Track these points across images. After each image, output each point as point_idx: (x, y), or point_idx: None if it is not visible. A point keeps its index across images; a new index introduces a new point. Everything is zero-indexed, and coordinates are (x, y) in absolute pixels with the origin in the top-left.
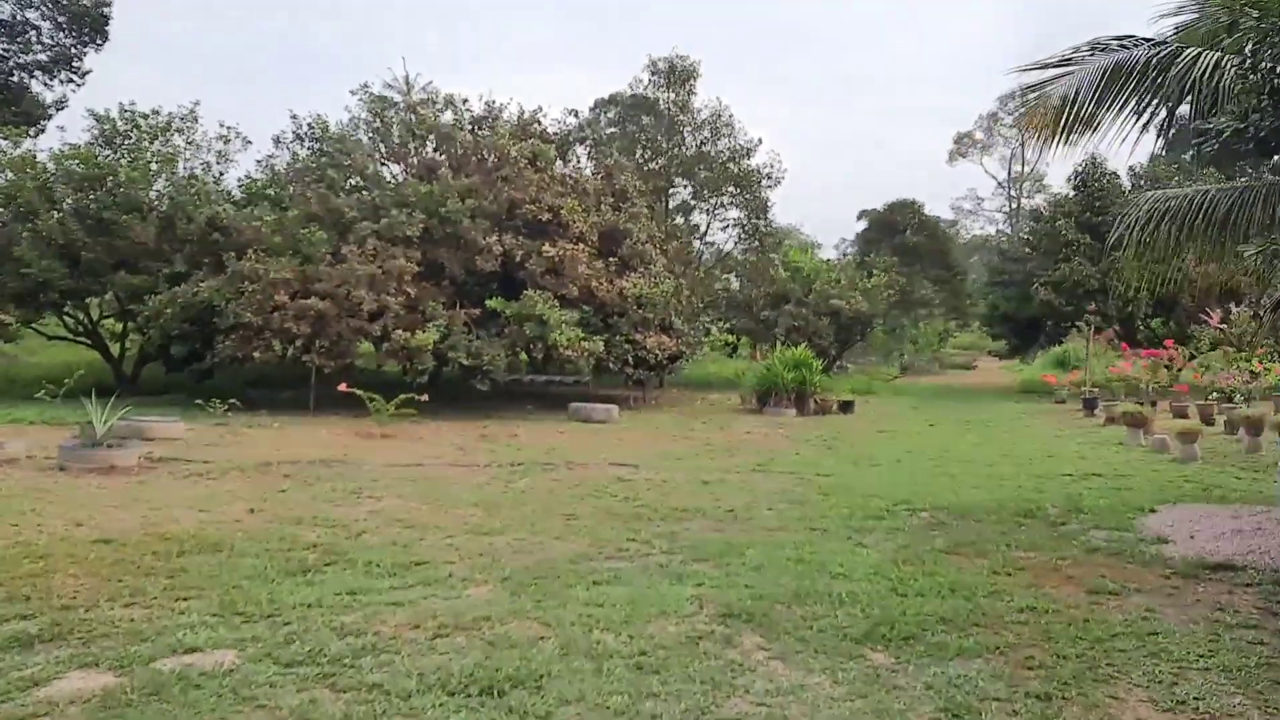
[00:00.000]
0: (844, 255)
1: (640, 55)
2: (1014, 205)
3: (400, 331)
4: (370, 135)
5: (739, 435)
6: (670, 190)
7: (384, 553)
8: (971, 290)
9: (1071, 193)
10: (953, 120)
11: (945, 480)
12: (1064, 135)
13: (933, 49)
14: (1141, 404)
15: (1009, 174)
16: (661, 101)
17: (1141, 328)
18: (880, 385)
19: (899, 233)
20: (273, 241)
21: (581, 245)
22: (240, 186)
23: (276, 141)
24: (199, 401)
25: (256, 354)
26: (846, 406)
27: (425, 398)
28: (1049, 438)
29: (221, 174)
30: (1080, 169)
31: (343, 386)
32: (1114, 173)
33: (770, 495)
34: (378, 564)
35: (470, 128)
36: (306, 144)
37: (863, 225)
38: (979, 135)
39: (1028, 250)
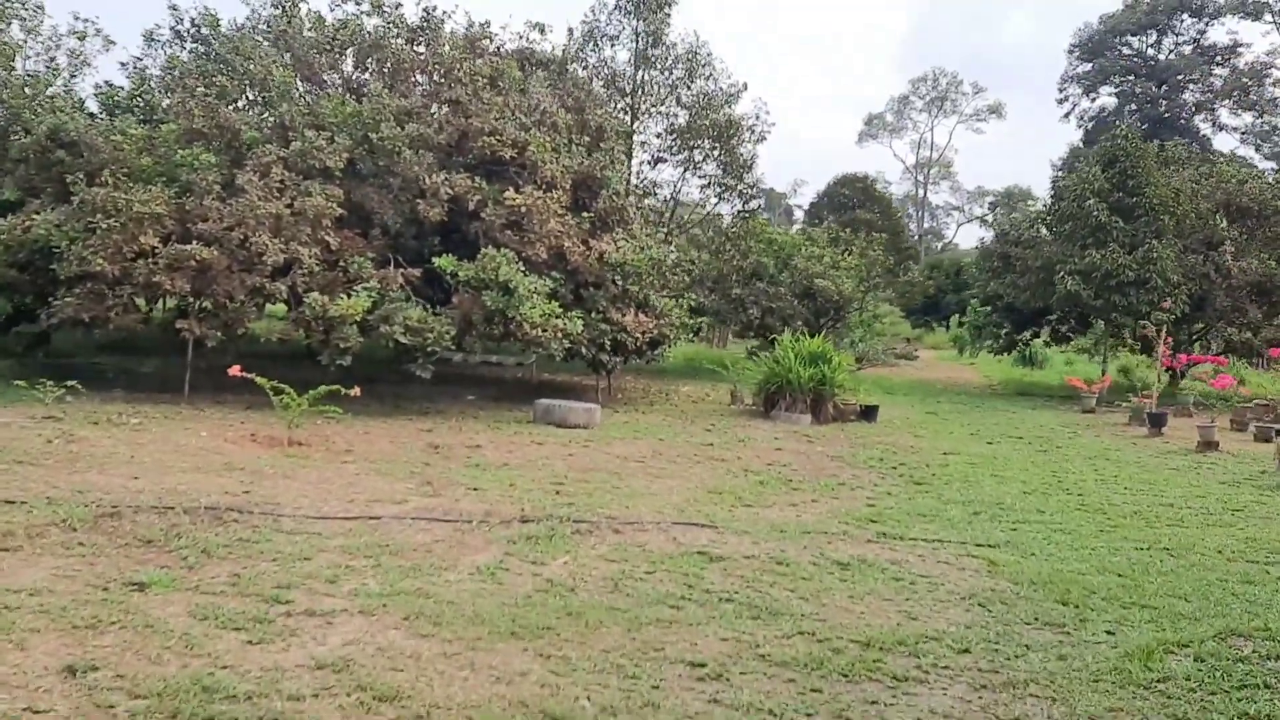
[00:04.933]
0: (813, 228)
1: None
2: (920, 193)
3: (316, 295)
4: (273, 40)
5: (769, 453)
6: (640, 140)
7: None
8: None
9: (1100, 170)
10: (854, 106)
11: (1172, 562)
12: None
13: (829, 31)
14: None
15: (917, 158)
16: (628, 31)
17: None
18: (867, 383)
19: (850, 208)
20: (140, 164)
21: (553, 194)
22: (98, 95)
23: (149, 39)
24: (19, 383)
25: (112, 315)
26: (869, 413)
27: (356, 392)
28: (1166, 470)
29: (73, 78)
30: (1110, 141)
31: (235, 370)
32: (1144, 147)
33: (975, 601)
34: None
35: (405, 39)
36: (189, 44)
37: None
38: (889, 118)
39: (1042, 233)
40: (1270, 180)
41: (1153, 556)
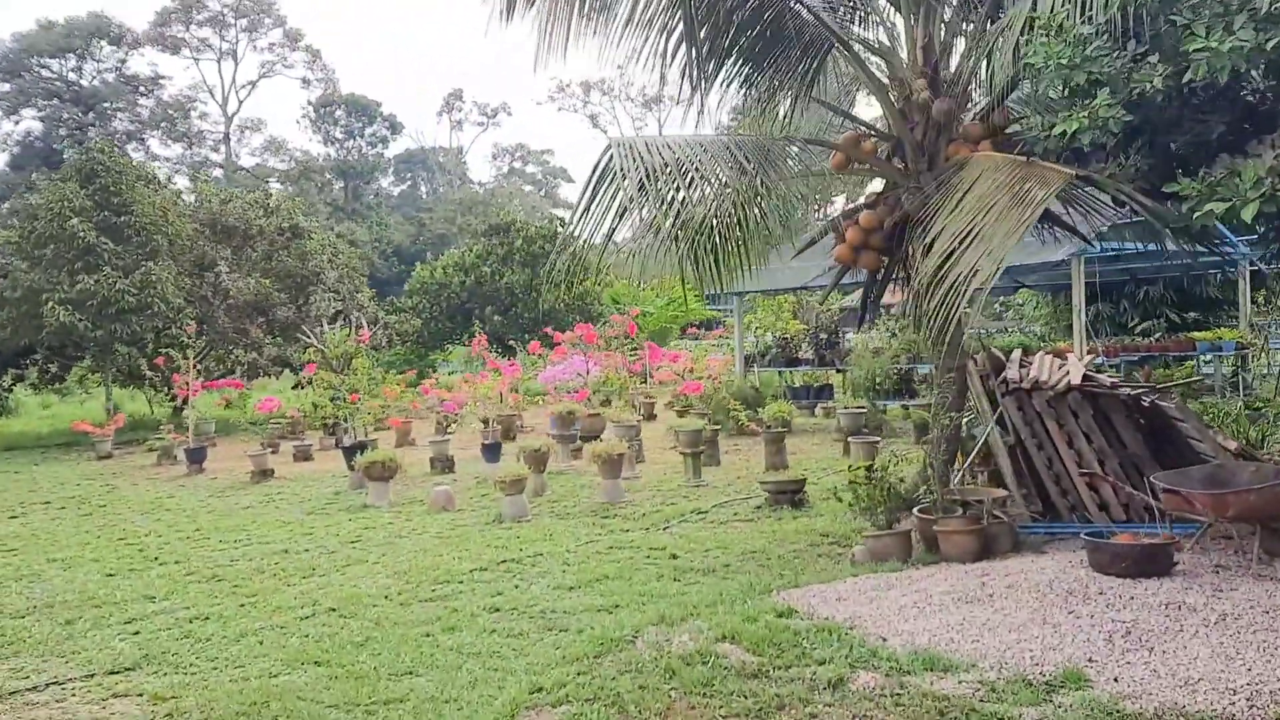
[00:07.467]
0: None
1: None
2: None
3: None
4: None
5: None
6: None
7: None
8: None
9: (79, 186)
10: None
11: (356, 626)
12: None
13: None
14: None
15: None
16: None
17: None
18: None
19: None
20: None
21: None
22: None
23: None
24: None
25: None
26: None
27: None
28: (243, 511)
29: None
30: (84, 155)
31: None
32: (124, 162)
33: None
34: None
35: None
36: None
37: None
38: None
39: (17, 260)
40: (249, 200)
41: (329, 625)
